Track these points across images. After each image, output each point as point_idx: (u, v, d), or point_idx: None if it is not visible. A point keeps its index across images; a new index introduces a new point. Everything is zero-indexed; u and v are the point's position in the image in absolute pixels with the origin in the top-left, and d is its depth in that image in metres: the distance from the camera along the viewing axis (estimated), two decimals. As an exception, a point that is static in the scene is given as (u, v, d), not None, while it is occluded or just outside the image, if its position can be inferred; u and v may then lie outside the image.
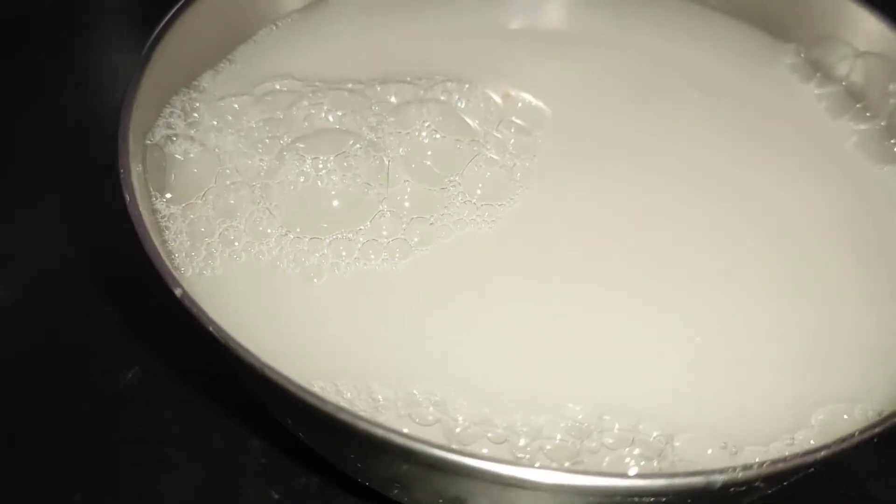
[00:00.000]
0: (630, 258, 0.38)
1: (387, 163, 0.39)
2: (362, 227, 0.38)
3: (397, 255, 0.37)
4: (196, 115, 0.41)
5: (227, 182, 0.39)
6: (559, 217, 0.40)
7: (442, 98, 0.42)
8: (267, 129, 0.41)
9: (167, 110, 0.41)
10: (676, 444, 0.33)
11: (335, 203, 0.38)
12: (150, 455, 0.45)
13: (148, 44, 0.39)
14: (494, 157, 0.41)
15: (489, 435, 0.33)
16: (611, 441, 0.33)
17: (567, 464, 0.33)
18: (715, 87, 0.47)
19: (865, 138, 0.45)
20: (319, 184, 0.38)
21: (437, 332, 0.36)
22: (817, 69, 0.48)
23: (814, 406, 0.35)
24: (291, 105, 0.41)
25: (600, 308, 0.37)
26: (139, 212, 0.33)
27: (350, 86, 0.42)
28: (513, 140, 0.42)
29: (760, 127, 0.45)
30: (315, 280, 0.37)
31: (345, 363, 0.35)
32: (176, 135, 0.40)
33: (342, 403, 0.30)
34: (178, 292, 0.31)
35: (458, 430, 0.33)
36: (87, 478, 0.44)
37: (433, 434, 0.33)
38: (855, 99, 0.46)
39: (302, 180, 0.38)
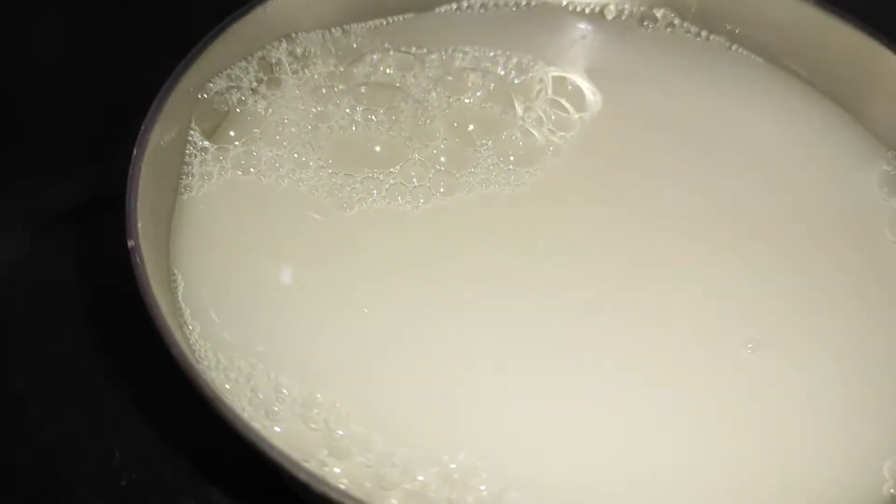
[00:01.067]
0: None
1: (428, 122, 0.42)
2: (392, 170, 0.40)
3: (421, 199, 0.40)
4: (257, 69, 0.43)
5: (283, 119, 0.41)
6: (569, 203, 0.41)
7: (500, 72, 0.44)
8: (327, 80, 0.43)
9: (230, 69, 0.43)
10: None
11: (377, 149, 0.41)
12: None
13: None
14: (532, 130, 0.42)
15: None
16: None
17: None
18: (787, 166, 0.44)
19: None
20: (366, 132, 0.41)
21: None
22: None
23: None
24: (355, 61, 0.44)
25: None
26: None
27: (414, 49, 0.44)
28: (553, 117, 0.43)
29: (820, 223, 0.41)
30: (347, 211, 0.39)
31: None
32: (236, 86, 0.42)
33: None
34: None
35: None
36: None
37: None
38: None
39: (353, 128, 0.41)
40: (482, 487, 0.31)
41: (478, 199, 0.40)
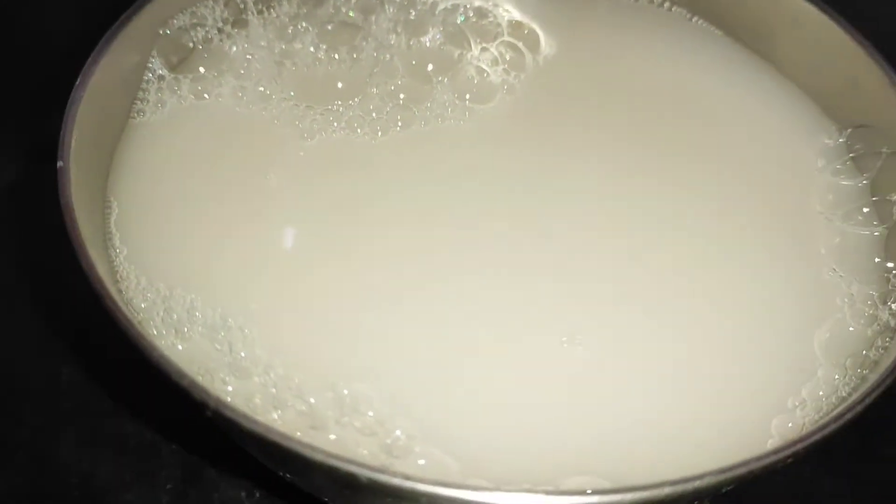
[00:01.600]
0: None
1: (388, 59, 0.44)
2: (352, 102, 0.42)
3: (379, 131, 0.41)
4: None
5: (247, 56, 0.43)
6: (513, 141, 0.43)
7: (460, 16, 0.46)
8: (292, 20, 0.45)
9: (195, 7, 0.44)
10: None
11: (339, 84, 0.43)
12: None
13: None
14: (487, 69, 0.45)
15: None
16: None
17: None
18: (733, 127, 0.44)
19: (850, 243, 0.40)
20: (328, 68, 0.43)
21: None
22: (849, 156, 0.43)
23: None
24: (320, 2, 0.45)
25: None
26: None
27: None
28: (508, 58, 0.45)
29: (756, 179, 0.42)
30: (308, 140, 0.41)
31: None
32: (201, 24, 0.44)
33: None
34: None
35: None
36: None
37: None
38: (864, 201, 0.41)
39: (316, 65, 0.43)
40: (370, 413, 0.32)
41: (432, 133, 0.42)
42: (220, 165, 0.40)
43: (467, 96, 0.44)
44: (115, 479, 0.42)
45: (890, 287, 0.37)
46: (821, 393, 0.34)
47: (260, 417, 0.31)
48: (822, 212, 0.40)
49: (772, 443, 0.33)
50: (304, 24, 0.45)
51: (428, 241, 0.38)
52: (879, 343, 0.35)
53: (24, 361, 0.45)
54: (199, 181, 0.40)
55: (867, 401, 0.29)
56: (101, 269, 0.32)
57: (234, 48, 0.43)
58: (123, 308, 0.30)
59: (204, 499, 0.41)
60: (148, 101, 0.42)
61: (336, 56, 0.44)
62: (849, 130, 0.43)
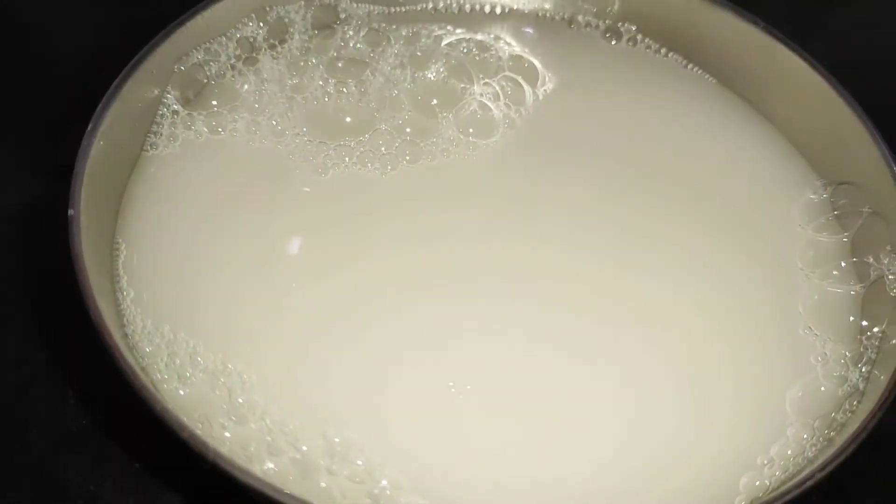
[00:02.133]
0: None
1: (395, 94, 0.46)
2: (362, 138, 0.44)
3: (388, 166, 0.44)
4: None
5: (259, 91, 0.46)
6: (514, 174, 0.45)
7: (462, 50, 0.48)
8: (303, 54, 0.47)
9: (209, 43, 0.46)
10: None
11: (348, 119, 0.45)
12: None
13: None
14: (489, 104, 0.47)
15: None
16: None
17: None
18: (721, 177, 0.46)
19: (827, 301, 0.42)
20: (338, 103, 0.45)
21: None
22: (832, 213, 0.44)
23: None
24: (329, 35, 0.48)
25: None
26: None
27: (384, 25, 0.49)
28: (509, 91, 0.47)
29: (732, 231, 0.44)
30: (322, 174, 0.43)
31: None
32: (214, 60, 0.46)
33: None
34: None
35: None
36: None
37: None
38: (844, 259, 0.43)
39: (325, 99, 0.45)
40: (359, 462, 0.34)
41: (438, 168, 0.44)
42: (231, 203, 0.42)
43: (471, 130, 0.46)
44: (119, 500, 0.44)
45: (862, 349, 0.39)
46: (789, 452, 0.36)
47: (256, 466, 0.33)
48: (802, 268, 0.42)
49: (739, 500, 0.34)
50: (313, 60, 0.47)
51: (428, 288, 0.40)
52: (847, 406, 0.37)
53: (30, 385, 0.47)
54: (208, 221, 0.41)
55: (828, 468, 0.31)
56: (108, 317, 0.34)
57: (247, 85, 0.45)
58: (129, 361, 0.32)
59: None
60: (161, 135, 0.44)
61: (345, 90, 0.46)
62: (833, 187, 0.45)
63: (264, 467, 0.33)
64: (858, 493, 0.44)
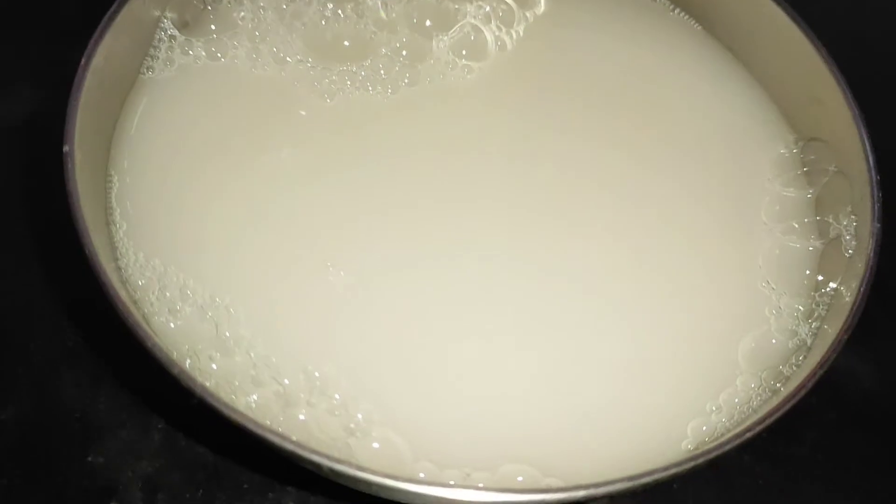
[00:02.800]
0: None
1: (394, 16, 0.47)
2: (364, 63, 0.45)
3: (390, 89, 0.45)
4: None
5: (260, 13, 0.46)
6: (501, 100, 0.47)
7: None
8: None
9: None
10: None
11: (346, 43, 0.46)
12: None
13: None
14: (480, 25, 0.48)
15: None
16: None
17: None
18: (696, 124, 0.47)
19: (786, 255, 0.44)
20: (336, 25, 0.46)
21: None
22: (802, 169, 0.46)
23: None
24: None
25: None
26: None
27: None
28: (501, 13, 0.49)
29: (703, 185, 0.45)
30: (328, 100, 0.45)
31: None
32: None
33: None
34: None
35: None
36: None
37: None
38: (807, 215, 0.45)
39: (322, 23, 0.46)
40: (336, 395, 0.36)
41: (436, 91, 0.46)
42: (229, 131, 0.43)
43: (464, 52, 0.47)
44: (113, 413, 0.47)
45: (814, 305, 0.41)
46: (736, 400, 0.38)
47: (240, 399, 0.36)
48: (766, 222, 0.44)
49: (686, 444, 0.37)
50: None
51: (419, 226, 0.42)
52: (793, 360, 0.39)
53: (31, 300, 0.49)
54: (203, 151, 0.43)
55: (767, 422, 0.34)
56: (102, 254, 0.35)
57: (243, 12, 0.46)
58: (123, 299, 0.34)
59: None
60: (158, 59, 0.45)
61: (341, 13, 0.46)
62: (804, 142, 0.46)
63: (248, 399, 0.36)
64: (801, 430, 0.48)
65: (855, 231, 0.41)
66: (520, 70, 0.48)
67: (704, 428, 0.38)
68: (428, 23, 0.47)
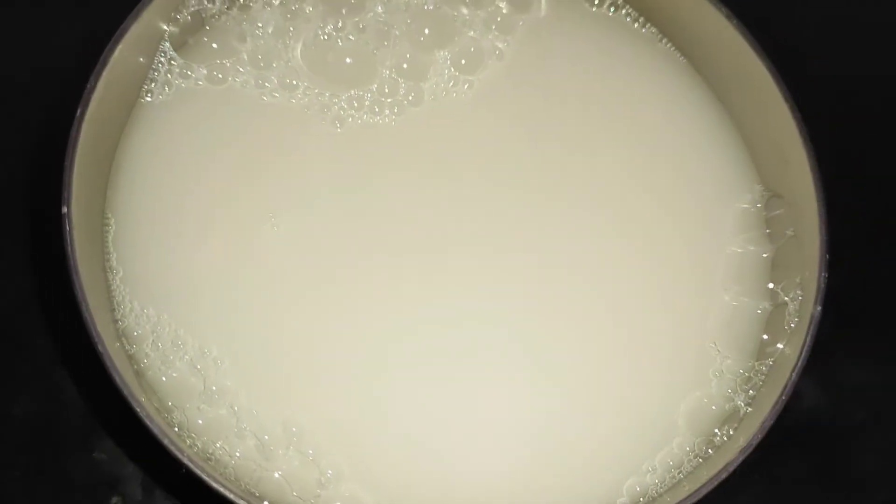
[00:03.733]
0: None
1: (396, 32, 0.48)
2: (370, 88, 0.47)
3: (396, 110, 0.47)
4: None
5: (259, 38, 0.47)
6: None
7: None
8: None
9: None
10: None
11: (348, 60, 0.47)
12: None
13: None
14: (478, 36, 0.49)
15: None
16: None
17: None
18: (669, 167, 0.49)
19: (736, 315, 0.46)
20: (339, 43, 0.47)
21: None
22: (765, 230, 0.48)
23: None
24: None
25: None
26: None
27: None
28: (499, 19, 0.49)
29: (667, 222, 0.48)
30: (338, 127, 0.46)
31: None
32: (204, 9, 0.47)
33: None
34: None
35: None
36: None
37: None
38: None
39: (324, 39, 0.47)
40: (310, 450, 0.41)
41: (439, 108, 0.48)
42: (227, 165, 0.45)
43: (463, 62, 0.48)
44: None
45: (753, 373, 0.44)
46: (670, 462, 0.43)
47: (226, 456, 0.40)
48: (722, 281, 0.46)
49: (620, 502, 0.42)
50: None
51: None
52: (726, 429, 0.43)
53: (38, 297, 0.53)
54: (199, 190, 0.45)
55: (687, 502, 0.38)
56: (98, 314, 0.39)
57: (246, 35, 0.47)
58: (120, 371, 0.37)
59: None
60: (157, 83, 0.46)
61: (340, 27, 0.47)
62: (767, 197, 0.48)
63: (234, 453, 0.40)
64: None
65: (799, 308, 0.44)
66: (518, 79, 0.49)
67: (638, 489, 0.42)
68: (426, 31, 0.48)
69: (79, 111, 0.42)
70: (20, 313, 0.52)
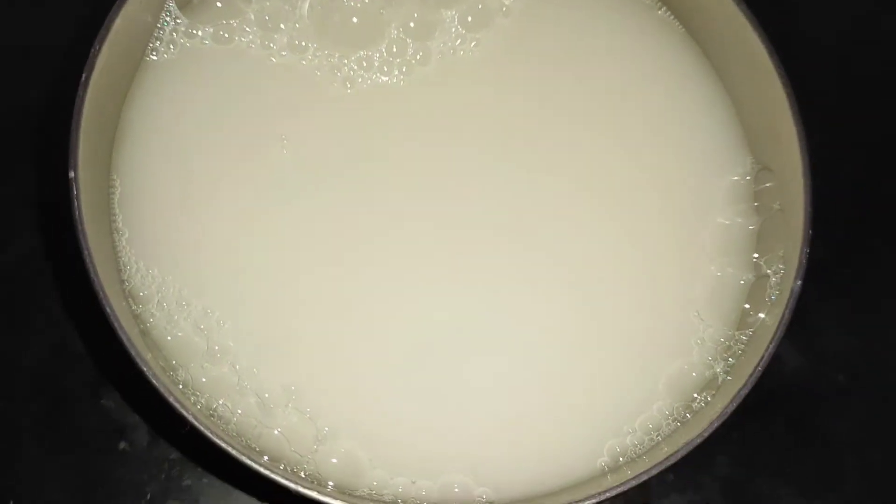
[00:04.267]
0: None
1: None
2: (379, 48, 0.48)
3: (405, 69, 0.49)
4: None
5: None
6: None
7: None
8: None
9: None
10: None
11: (354, 20, 0.49)
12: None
13: None
14: None
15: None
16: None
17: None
18: (663, 138, 0.50)
19: (719, 285, 0.48)
20: (345, 3, 0.48)
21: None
22: (753, 203, 0.49)
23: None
24: None
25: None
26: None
27: None
28: None
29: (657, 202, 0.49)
30: (349, 88, 0.48)
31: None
32: None
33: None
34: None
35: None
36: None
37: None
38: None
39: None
40: (308, 409, 0.43)
41: (447, 67, 0.49)
42: (232, 125, 0.46)
43: (469, 19, 0.49)
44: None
45: (733, 342, 0.46)
46: (650, 426, 0.45)
47: (228, 413, 0.42)
48: (709, 251, 0.48)
49: (601, 461, 0.44)
50: None
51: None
52: (705, 395, 0.45)
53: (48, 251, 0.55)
54: (204, 150, 0.46)
55: (665, 463, 0.40)
56: (105, 277, 0.40)
57: None
58: (127, 330, 0.39)
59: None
60: (162, 42, 0.47)
61: None
62: (757, 170, 0.49)
63: (236, 410, 0.42)
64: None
65: (780, 281, 0.45)
66: (521, 40, 0.50)
67: (618, 449, 0.44)
68: None
69: (84, 75, 0.43)
70: (31, 270, 0.54)
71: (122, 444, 0.52)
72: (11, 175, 0.56)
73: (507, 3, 0.50)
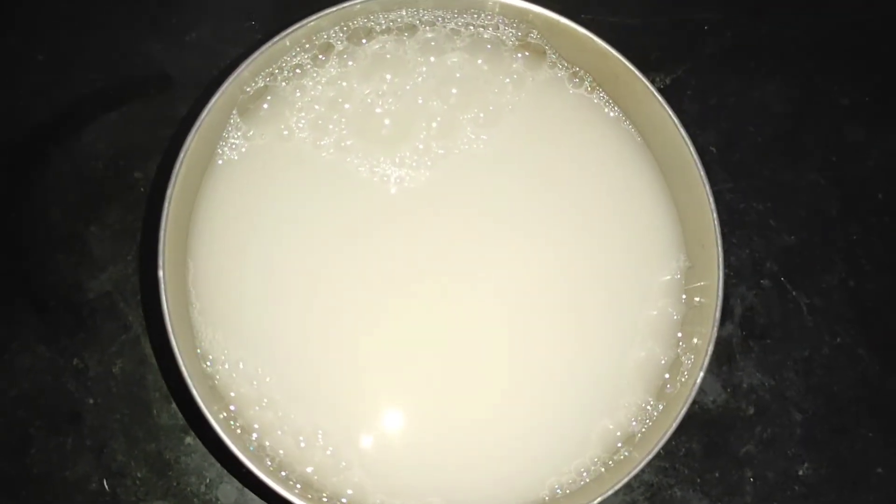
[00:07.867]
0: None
1: (422, 102, 0.61)
2: (409, 150, 0.61)
3: (429, 163, 0.61)
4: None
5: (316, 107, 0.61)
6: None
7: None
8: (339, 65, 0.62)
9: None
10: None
11: (386, 122, 0.61)
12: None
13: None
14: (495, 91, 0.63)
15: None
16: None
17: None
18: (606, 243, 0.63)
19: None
20: (377, 110, 0.61)
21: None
22: (682, 297, 0.63)
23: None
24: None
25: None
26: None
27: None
28: (515, 77, 0.63)
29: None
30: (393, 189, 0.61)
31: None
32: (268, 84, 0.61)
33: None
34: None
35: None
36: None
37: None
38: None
39: (369, 101, 0.61)
40: (329, 449, 0.58)
41: (463, 162, 0.61)
42: (286, 218, 0.60)
43: (482, 115, 0.62)
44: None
45: (650, 407, 0.61)
46: (582, 470, 0.60)
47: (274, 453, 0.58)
48: (641, 333, 0.62)
49: (543, 494, 0.60)
50: (350, 63, 0.61)
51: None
52: (626, 448, 0.60)
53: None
54: (259, 236, 0.60)
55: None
56: (182, 342, 0.55)
57: (299, 94, 0.61)
58: (198, 386, 0.54)
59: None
60: (226, 148, 0.60)
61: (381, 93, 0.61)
62: (686, 268, 0.62)
63: (279, 452, 0.58)
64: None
65: (691, 365, 0.60)
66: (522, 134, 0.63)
67: (556, 485, 0.60)
68: (454, 91, 0.62)
69: (168, 190, 0.56)
70: (126, 302, 0.69)
71: (188, 440, 0.68)
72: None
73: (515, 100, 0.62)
